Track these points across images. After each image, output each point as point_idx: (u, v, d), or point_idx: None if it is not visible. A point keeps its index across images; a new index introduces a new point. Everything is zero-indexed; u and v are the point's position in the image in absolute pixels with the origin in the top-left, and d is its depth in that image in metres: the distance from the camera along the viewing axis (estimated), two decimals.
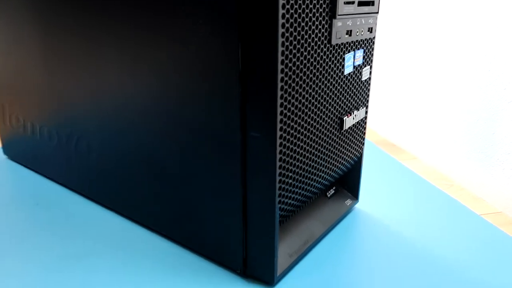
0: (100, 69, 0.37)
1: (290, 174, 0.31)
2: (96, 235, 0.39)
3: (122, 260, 0.36)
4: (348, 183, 0.44)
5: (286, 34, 0.26)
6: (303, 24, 0.28)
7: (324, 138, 0.34)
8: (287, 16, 0.26)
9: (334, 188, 0.43)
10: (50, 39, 0.40)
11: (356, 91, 0.38)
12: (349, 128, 0.38)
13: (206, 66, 0.29)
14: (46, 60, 0.42)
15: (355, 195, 0.44)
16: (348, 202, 0.43)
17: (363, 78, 0.38)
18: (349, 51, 0.34)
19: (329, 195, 0.42)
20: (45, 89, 0.44)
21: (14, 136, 0.51)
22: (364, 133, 0.42)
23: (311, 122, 0.32)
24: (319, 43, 0.30)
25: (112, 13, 0.34)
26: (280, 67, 0.27)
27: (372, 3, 0.35)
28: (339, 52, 0.33)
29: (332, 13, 0.30)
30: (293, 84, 0.28)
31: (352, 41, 0.34)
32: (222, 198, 0.32)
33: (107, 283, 0.33)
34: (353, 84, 0.37)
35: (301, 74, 0.29)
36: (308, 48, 0.29)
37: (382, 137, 0.70)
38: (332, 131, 0.35)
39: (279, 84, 0.27)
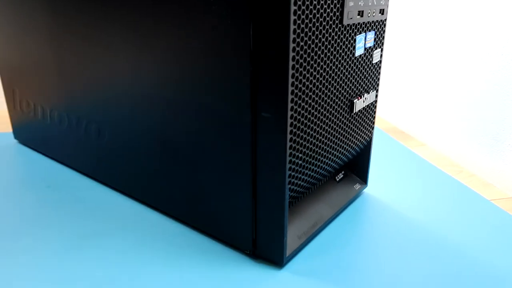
0: (109, 52, 0.37)
1: (300, 155, 0.31)
2: (106, 217, 0.39)
3: (131, 241, 0.36)
4: (357, 167, 0.44)
5: (298, 12, 0.26)
6: (315, 2, 0.27)
7: (334, 120, 0.34)
8: None
9: (343, 172, 0.43)
10: (60, 24, 0.40)
11: (367, 74, 0.37)
12: (359, 111, 0.38)
13: (217, 47, 0.29)
14: (55, 44, 0.42)
15: (364, 179, 0.44)
16: (357, 186, 0.43)
17: (374, 61, 0.38)
18: (360, 33, 0.34)
19: (338, 179, 0.42)
20: (55, 73, 0.44)
21: (25, 120, 0.52)
22: (374, 117, 0.41)
23: (322, 103, 0.32)
24: (330, 22, 0.30)
25: None
26: (291, 45, 0.26)
27: None
28: (350, 33, 0.33)
29: None
30: (304, 64, 0.28)
31: (363, 22, 0.34)
32: (232, 179, 0.32)
33: (117, 263, 0.33)
34: (363, 67, 0.36)
35: (312, 54, 0.29)
36: (320, 28, 0.29)
37: (392, 124, 0.70)
38: (342, 113, 0.35)
39: (291, 64, 0.27)
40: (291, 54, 0.27)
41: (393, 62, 0.74)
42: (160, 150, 0.36)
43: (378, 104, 0.80)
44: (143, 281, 0.31)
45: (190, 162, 0.35)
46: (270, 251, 0.33)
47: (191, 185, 0.36)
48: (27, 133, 0.53)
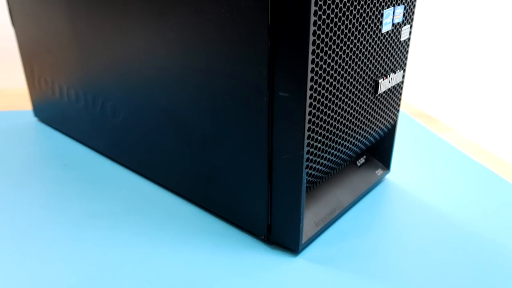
0: (125, 29, 0.35)
1: (319, 138, 0.29)
2: (120, 196, 0.39)
3: (144, 221, 0.35)
4: (379, 152, 0.42)
5: None
6: None
7: (357, 101, 0.32)
8: None
9: (364, 157, 0.41)
10: (77, 2, 0.39)
11: (394, 52, 0.35)
12: (384, 92, 0.35)
13: (233, 22, 0.27)
14: (72, 22, 0.41)
15: (386, 165, 0.42)
16: (379, 172, 0.41)
17: (402, 38, 0.35)
18: (388, 6, 0.31)
19: (359, 164, 0.40)
20: (72, 51, 0.43)
21: (43, 98, 0.52)
22: (400, 99, 0.39)
23: (344, 82, 0.30)
24: None
25: None
26: (312, 19, 0.24)
27: None
28: (377, 6, 0.30)
29: None
30: (326, 39, 0.26)
31: None
32: (247, 161, 0.31)
33: (129, 244, 0.33)
34: (390, 44, 0.34)
35: (335, 29, 0.27)
36: (344, 0, 0.26)
37: (418, 108, 0.67)
38: (366, 94, 0.33)
39: (311, 39, 0.25)
40: (312, 28, 0.25)
41: (419, 39, 0.70)
42: (175, 130, 0.35)
43: (404, 87, 0.77)
44: (155, 263, 0.31)
45: (205, 143, 0.33)
46: (286, 238, 0.32)
47: (205, 166, 0.34)
48: (46, 111, 0.53)
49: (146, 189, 0.40)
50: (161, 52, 0.33)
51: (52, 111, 0.51)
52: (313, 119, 0.28)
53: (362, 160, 0.40)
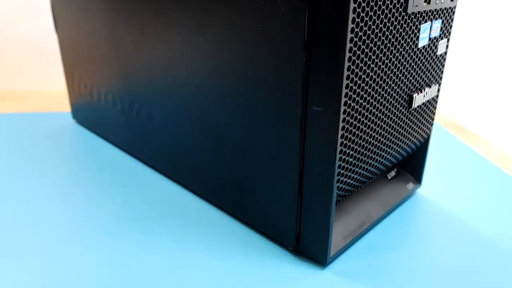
0: (163, 38, 0.37)
1: (351, 152, 0.29)
2: (154, 201, 0.40)
3: (176, 226, 0.36)
4: (411, 165, 0.41)
5: (359, 0, 0.24)
6: None
7: (390, 115, 0.32)
8: None
9: (395, 170, 0.40)
10: (117, 8, 0.41)
11: (430, 66, 0.34)
12: (418, 106, 0.35)
13: (270, 36, 0.28)
14: (111, 28, 0.43)
15: (418, 179, 0.42)
16: (410, 185, 0.41)
17: (439, 52, 0.35)
18: (425, 21, 0.31)
19: (389, 177, 0.40)
20: (111, 57, 0.45)
21: (82, 101, 0.54)
22: (434, 113, 0.38)
23: (378, 97, 0.30)
24: (393, 10, 0.27)
25: None
26: (349, 36, 0.24)
27: None
28: (414, 21, 0.30)
29: None
30: (362, 55, 0.26)
31: (430, 10, 0.31)
32: (278, 172, 0.31)
33: (161, 246, 0.34)
34: (426, 59, 0.33)
35: (371, 45, 0.27)
36: (382, 16, 0.26)
37: (450, 119, 0.65)
38: (400, 108, 0.33)
39: (347, 55, 0.25)
40: (349, 44, 0.25)
41: (452, 49, 0.68)
42: (207, 137, 0.36)
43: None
44: (183, 268, 0.32)
45: (237, 151, 0.34)
46: (314, 249, 0.32)
47: (236, 174, 0.35)
48: (84, 114, 0.55)
49: (178, 195, 0.41)
50: (198, 61, 0.34)
51: (90, 114, 0.53)
52: (345, 134, 0.28)
53: (393, 173, 0.40)
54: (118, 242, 0.34)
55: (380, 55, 0.28)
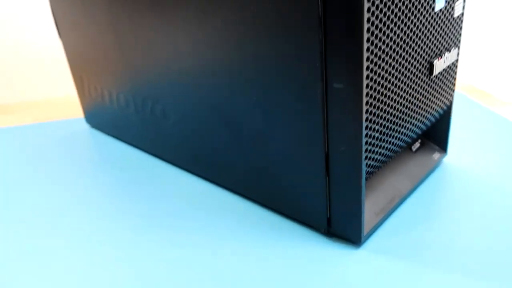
0: (169, 29, 0.36)
1: (377, 127, 0.29)
2: (176, 196, 0.40)
3: (202, 220, 0.36)
4: (435, 134, 0.40)
5: None
6: None
7: (412, 85, 0.31)
8: None
9: (419, 141, 0.40)
10: (118, 7, 0.40)
11: (448, 30, 0.33)
12: (439, 73, 0.34)
13: (283, 14, 0.27)
14: (115, 29, 0.42)
15: (443, 147, 0.41)
16: (436, 155, 0.40)
17: (456, 15, 0.33)
18: None
19: (414, 149, 0.39)
20: (118, 57, 0.44)
21: (94, 105, 0.54)
22: (455, 78, 0.37)
23: (399, 68, 0.29)
24: None
25: None
26: (366, 5, 0.23)
27: None
28: None
29: None
30: (380, 25, 0.25)
31: None
32: (303, 154, 0.31)
33: (189, 241, 0.34)
34: (444, 22, 0.32)
35: (388, 13, 0.25)
36: None
37: (467, 83, 0.63)
38: (421, 77, 0.32)
39: (365, 26, 0.24)
40: (366, 14, 0.24)
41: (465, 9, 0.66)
42: (226, 127, 0.36)
43: None
44: (216, 261, 0.31)
45: (258, 138, 0.33)
46: (347, 230, 0.31)
47: (260, 162, 0.35)
48: (97, 118, 0.55)
49: (202, 188, 0.41)
50: (208, 49, 0.33)
51: (103, 117, 0.53)
52: (370, 109, 0.27)
53: (417, 145, 0.39)
54: (146, 239, 0.34)
55: (398, 22, 0.27)
